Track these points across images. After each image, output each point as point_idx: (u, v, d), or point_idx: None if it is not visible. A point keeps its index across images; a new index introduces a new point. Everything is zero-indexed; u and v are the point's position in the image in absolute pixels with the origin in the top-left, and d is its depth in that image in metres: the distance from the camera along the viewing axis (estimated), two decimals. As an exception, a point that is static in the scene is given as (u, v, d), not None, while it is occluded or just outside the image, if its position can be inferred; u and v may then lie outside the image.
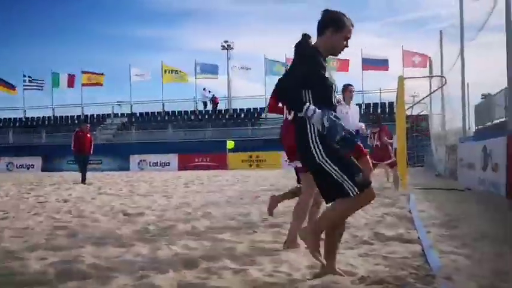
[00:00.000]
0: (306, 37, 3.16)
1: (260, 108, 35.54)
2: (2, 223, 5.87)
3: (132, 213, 6.68)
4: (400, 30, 79.21)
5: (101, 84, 38.68)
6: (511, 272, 3.17)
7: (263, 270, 3.31)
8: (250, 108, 36.29)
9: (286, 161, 4.61)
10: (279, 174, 18.29)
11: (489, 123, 17.04)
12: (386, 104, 34.25)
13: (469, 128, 15.67)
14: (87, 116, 38.89)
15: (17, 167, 30.76)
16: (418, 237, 4.38)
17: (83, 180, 14.38)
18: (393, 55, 39.41)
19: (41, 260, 3.74)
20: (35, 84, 39.05)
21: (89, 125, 16.27)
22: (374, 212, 6.19)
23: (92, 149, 15.13)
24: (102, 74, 38.70)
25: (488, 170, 8.28)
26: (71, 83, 38.65)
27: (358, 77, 35.55)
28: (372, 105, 35.52)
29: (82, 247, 4.23)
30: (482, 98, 18.86)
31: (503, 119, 13.22)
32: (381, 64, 34.51)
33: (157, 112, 37.70)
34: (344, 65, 35.01)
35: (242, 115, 35.66)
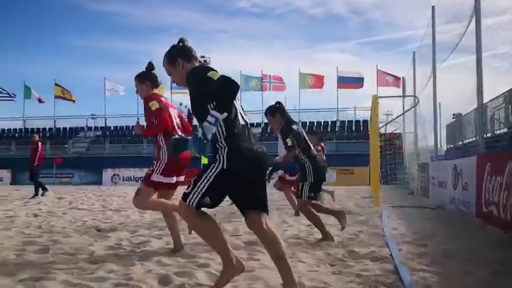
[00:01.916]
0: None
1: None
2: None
3: (105, 228, 6.59)
4: (374, 50, 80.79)
5: (73, 101, 38.00)
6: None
7: (238, 287, 3.31)
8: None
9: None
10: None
11: (460, 143, 17.44)
12: (361, 122, 34.75)
13: (441, 147, 15.99)
14: (59, 128, 38.27)
15: (-16, 181, 29.96)
16: (390, 255, 4.45)
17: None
18: (367, 74, 40.18)
19: (11, 276, 3.67)
20: (4, 96, 38.21)
21: (36, 135, 15.66)
22: (347, 230, 6.26)
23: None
24: (72, 96, 37.99)
25: (459, 189, 8.46)
26: (40, 99, 37.81)
27: (332, 94, 36.06)
28: (346, 122, 35.98)
29: (54, 263, 4.17)
30: (453, 118, 19.33)
31: (473, 139, 13.56)
32: (356, 82, 35.03)
33: (132, 126, 37.34)
34: (319, 82, 35.45)
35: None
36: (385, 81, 33.64)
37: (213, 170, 2.91)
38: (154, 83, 4.71)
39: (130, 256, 4.51)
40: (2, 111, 38.91)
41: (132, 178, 28.73)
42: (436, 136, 12.85)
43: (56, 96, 37.70)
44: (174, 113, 4.78)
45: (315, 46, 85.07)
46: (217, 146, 2.95)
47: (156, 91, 4.81)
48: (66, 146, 33.85)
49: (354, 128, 34.79)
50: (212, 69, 2.98)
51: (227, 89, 2.85)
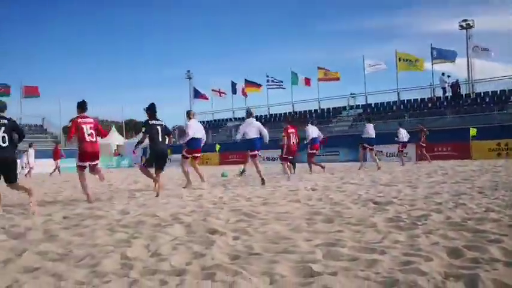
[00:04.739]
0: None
1: (508, 90, 31.90)
2: (264, 208, 6.56)
3: (381, 201, 6.75)
4: None
5: (338, 79, 39.85)
6: None
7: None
8: (496, 91, 32.84)
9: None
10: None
11: None
12: None
13: None
14: (323, 109, 40.58)
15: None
16: None
17: None
18: None
19: (307, 241, 4.10)
20: (276, 84, 42.60)
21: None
22: None
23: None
24: (336, 72, 39.91)
25: None
26: (307, 81, 40.98)
27: None
28: None
29: (341, 231, 4.49)
30: None
31: None
32: None
33: (393, 102, 37.06)
34: None
35: (487, 99, 32.48)
36: None
37: None
38: (82, 109, 8.32)
39: (413, 228, 4.53)
40: (274, 97, 43.23)
41: (394, 154, 28.58)
42: None
43: (319, 79, 40.08)
44: (87, 126, 8.08)
45: None
46: None
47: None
48: (330, 125, 35.69)
49: None
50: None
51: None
